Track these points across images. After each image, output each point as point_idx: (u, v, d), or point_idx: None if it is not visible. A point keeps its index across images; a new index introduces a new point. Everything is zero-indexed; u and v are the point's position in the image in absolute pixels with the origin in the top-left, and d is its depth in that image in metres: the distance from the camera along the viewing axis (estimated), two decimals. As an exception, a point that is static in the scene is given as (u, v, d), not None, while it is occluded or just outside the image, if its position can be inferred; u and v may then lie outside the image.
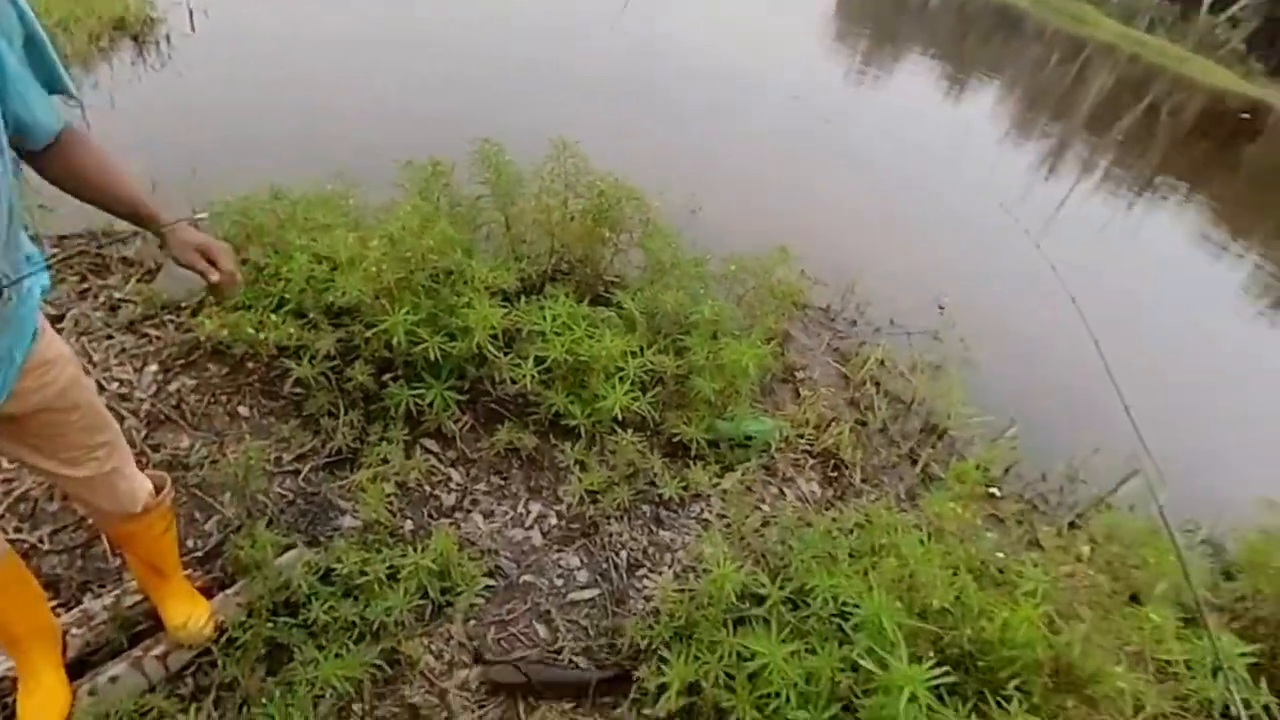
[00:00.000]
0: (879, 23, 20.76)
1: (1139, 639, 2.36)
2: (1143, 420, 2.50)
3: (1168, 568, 2.58)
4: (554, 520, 3.09)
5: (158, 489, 1.96)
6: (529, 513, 3.09)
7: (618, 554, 3.03)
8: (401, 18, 9.40)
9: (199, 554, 2.51)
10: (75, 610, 2.18)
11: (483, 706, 2.39)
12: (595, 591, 2.88)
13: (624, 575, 2.97)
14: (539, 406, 3.34)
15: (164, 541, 2.03)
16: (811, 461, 3.78)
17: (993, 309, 5.96)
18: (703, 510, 3.33)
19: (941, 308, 5.48)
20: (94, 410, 1.72)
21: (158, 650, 2.12)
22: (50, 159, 1.47)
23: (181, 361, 3.15)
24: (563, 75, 8.80)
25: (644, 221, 3.82)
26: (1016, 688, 2.37)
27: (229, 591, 2.32)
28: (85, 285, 3.41)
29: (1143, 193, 12.01)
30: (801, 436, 3.85)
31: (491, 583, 2.75)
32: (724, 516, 3.27)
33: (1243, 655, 2.24)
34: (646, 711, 2.50)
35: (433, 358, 3.01)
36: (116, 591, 2.25)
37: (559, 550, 2.98)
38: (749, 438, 3.61)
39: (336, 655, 2.23)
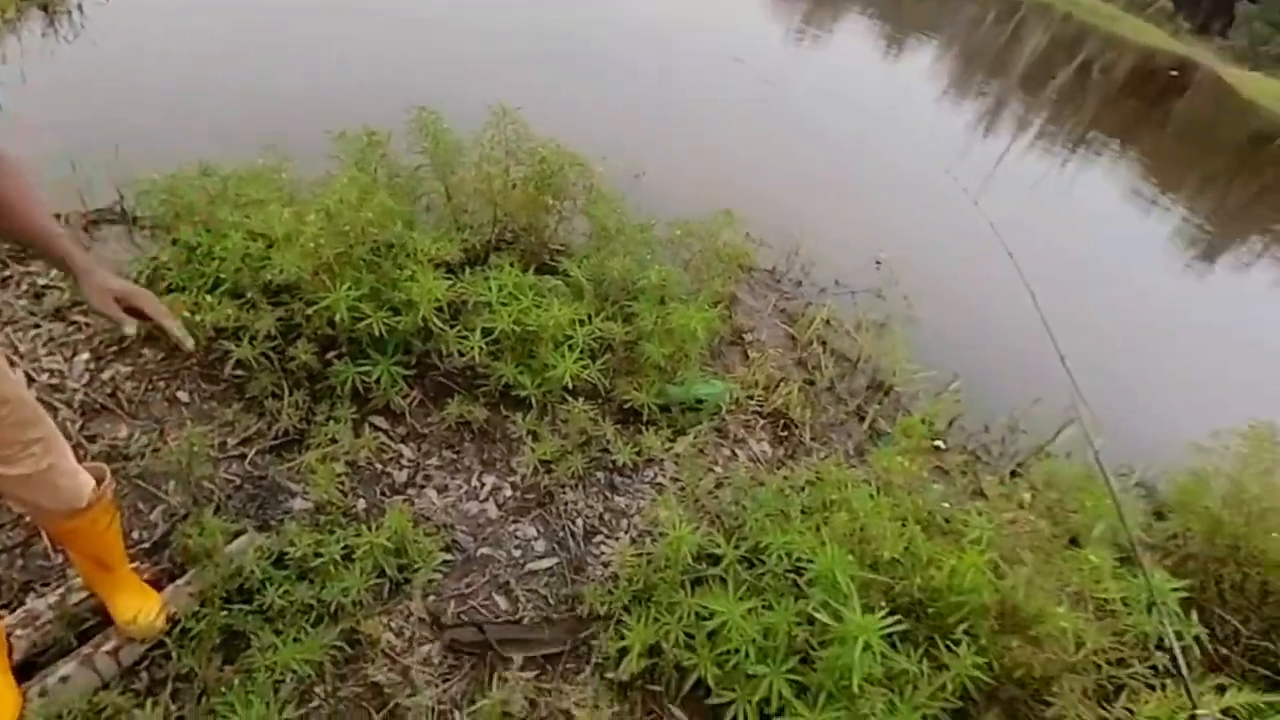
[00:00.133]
0: (818, -19, 20.70)
1: (1078, 580, 2.47)
2: (1079, 370, 2.60)
3: (1104, 511, 2.69)
4: (509, 492, 3.09)
5: (98, 481, 1.90)
6: (483, 485, 3.08)
7: (574, 522, 3.05)
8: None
9: (145, 545, 2.45)
10: (19, 611, 2.11)
11: (446, 680, 2.40)
12: (553, 560, 2.90)
13: (581, 543, 2.99)
14: (488, 378, 3.31)
15: (108, 535, 1.98)
16: (762, 422, 3.84)
17: (935, 266, 6.07)
18: (656, 475, 3.36)
19: (878, 263, 5.57)
20: (24, 404, 1.65)
21: (108, 646, 2.07)
22: None
23: (114, 348, 3.04)
24: (498, 40, 8.60)
25: (588, 188, 3.78)
26: (965, 631, 2.47)
27: (179, 582, 2.27)
28: (6, 272, 3.24)
29: (1076, 149, 12.32)
30: (751, 398, 3.90)
31: (449, 557, 2.75)
32: (678, 480, 3.31)
33: (1175, 590, 2.36)
34: (609, 675, 2.54)
35: (377, 333, 2.96)
36: (61, 589, 2.18)
37: (515, 521, 2.99)
38: (700, 401, 3.64)
39: (295, 639, 2.21)
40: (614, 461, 3.29)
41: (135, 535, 2.46)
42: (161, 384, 2.96)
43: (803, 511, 2.90)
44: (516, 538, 2.93)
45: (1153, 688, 2.38)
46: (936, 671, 2.36)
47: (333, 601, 2.36)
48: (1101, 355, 5.30)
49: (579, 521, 3.06)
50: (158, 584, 2.25)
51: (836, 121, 9.37)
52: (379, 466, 2.98)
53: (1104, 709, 2.46)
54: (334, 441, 2.91)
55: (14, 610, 2.13)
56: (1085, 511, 2.83)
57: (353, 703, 2.26)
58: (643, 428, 3.44)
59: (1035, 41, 21.94)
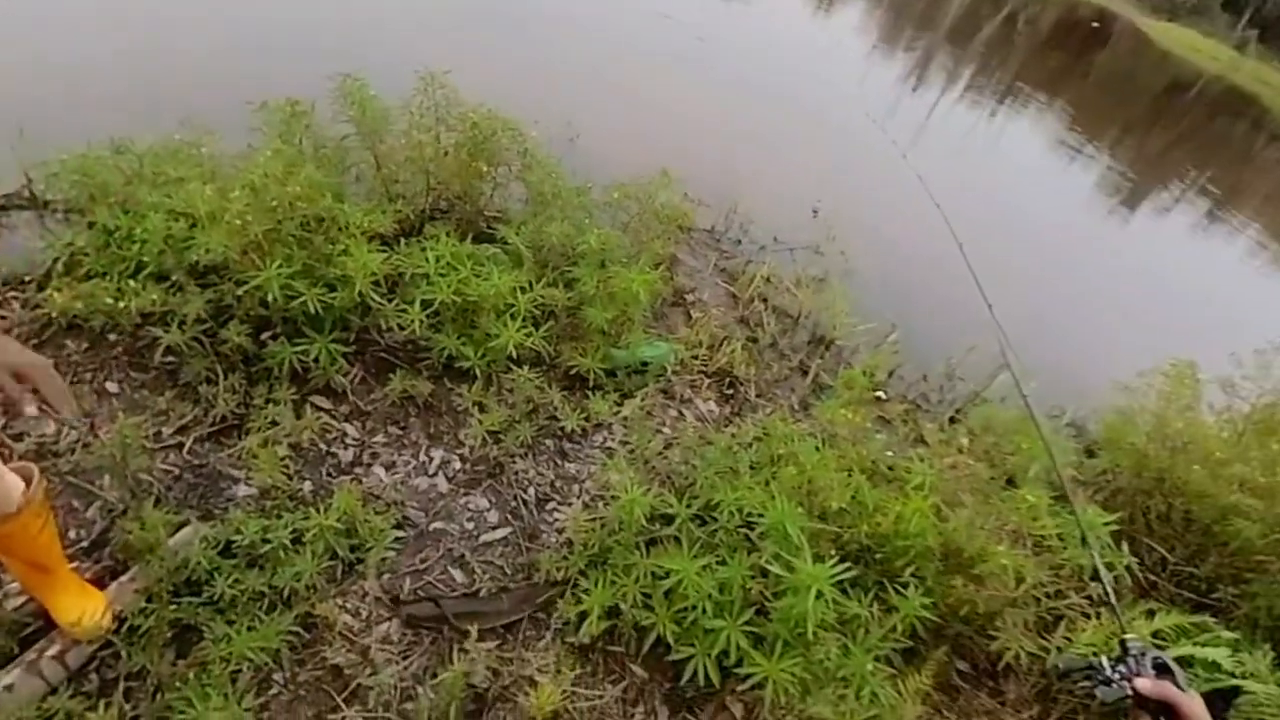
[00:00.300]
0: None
1: (1017, 519, 2.58)
2: (1013, 317, 2.68)
3: (1039, 452, 2.80)
4: (458, 464, 3.07)
5: (27, 483, 1.82)
6: (431, 460, 3.05)
7: (525, 491, 3.05)
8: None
9: (84, 544, 2.37)
10: (-46, 622, 2.03)
11: (407, 656, 2.40)
12: (507, 530, 2.90)
13: (534, 511, 2.99)
14: (430, 351, 3.27)
15: (43, 538, 1.90)
16: (707, 381, 3.87)
17: (871, 220, 6.15)
18: (606, 439, 3.38)
19: (815, 212, 5.62)
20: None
21: (53, 650, 2.01)
22: None
23: (34, 341, 2.88)
24: (418, 1, 8.29)
25: (522, 153, 3.71)
26: (912, 574, 2.57)
27: (123, 579, 2.21)
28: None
29: (1004, 100, 12.56)
30: (696, 358, 3.92)
31: (401, 534, 2.73)
32: (627, 443, 3.33)
33: (1106, 524, 2.48)
34: (570, 639, 2.57)
35: (313, 311, 2.88)
36: (-3, 595, 2.11)
37: (466, 494, 2.98)
38: (645, 363, 3.65)
39: (249, 628, 2.17)
40: (562, 428, 3.29)
41: (72, 534, 2.38)
42: (88, 376, 2.84)
43: (751, 467, 2.96)
44: (469, 510, 2.92)
45: (1088, 616, 2.52)
46: (886, 614, 2.46)
47: (285, 587, 2.33)
48: (1033, 301, 5.49)
49: (530, 490, 3.06)
50: (100, 583, 2.18)
51: (769, 78, 9.35)
52: (323, 447, 2.92)
53: (1044, 639, 2.60)
54: (274, 424, 2.84)
55: (-53, 622, 2.05)
56: (1021, 453, 2.94)
57: (313, 687, 2.25)
58: (589, 393, 3.45)
59: (963, -6, 22.19)
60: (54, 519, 1.96)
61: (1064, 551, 2.54)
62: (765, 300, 4.60)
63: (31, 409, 1.38)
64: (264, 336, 3.01)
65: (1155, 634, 2.55)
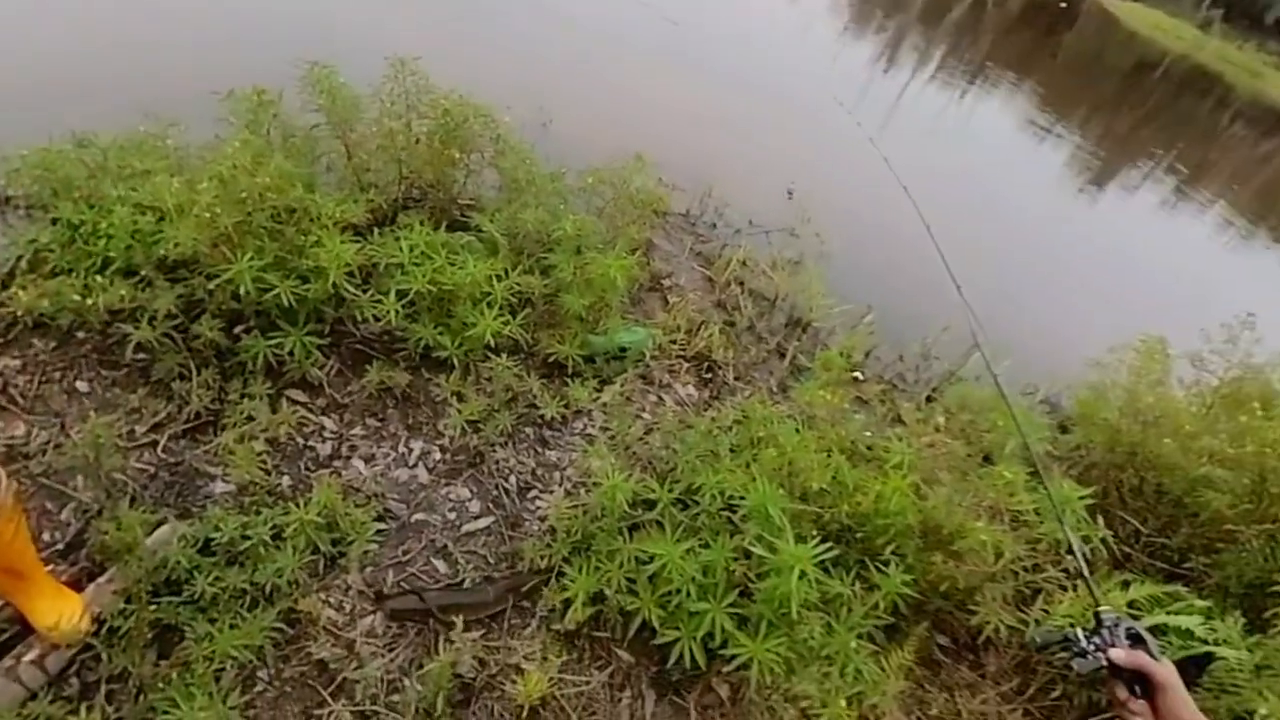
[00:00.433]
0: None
1: (994, 495, 2.61)
2: (985, 296, 2.71)
3: (1014, 429, 2.83)
4: (438, 455, 3.05)
5: None
6: (411, 451, 3.03)
7: (507, 480, 3.04)
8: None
9: (59, 546, 2.33)
10: (-72, 631, 2.00)
11: (392, 649, 2.39)
12: (489, 520, 2.89)
13: (516, 500, 2.99)
14: (406, 341, 3.24)
15: (17, 542, 1.87)
16: (686, 365, 3.88)
17: (844, 202, 6.17)
18: (586, 426, 3.38)
19: (790, 193, 5.63)
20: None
21: (32, 655, 1.98)
22: None
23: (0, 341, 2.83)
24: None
25: (495, 139, 3.68)
26: (892, 552, 2.60)
27: (101, 580, 2.18)
28: None
29: (974, 81, 12.62)
30: (674, 342, 3.93)
31: (383, 526, 2.71)
32: (607, 429, 3.33)
33: (1081, 498, 2.52)
34: (556, 627, 2.58)
35: (286, 303, 2.84)
36: (-29, 602, 2.07)
37: (447, 484, 2.96)
38: (623, 349, 3.65)
39: (231, 626, 2.16)
40: (542, 416, 3.28)
41: (47, 537, 2.34)
42: (57, 375, 2.78)
43: (732, 450, 2.97)
44: (450, 500, 2.91)
45: (1065, 589, 2.57)
46: (868, 592, 2.49)
47: (267, 583, 2.31)
48: (1005, 280, 5.55)
49: (512, 479, 3.05)
50: (77, 585, 2.15)
51: (741, 61, 9.32)
52: (301, 441, 2.89)
53: (1022, 612, 2.64)
54: (250, 419, 2.81)
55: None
56: (997, 430, 2.98)
57: (299, 682, 2.24)
58: (568, 380, 3.44)
59: (932, -25, 22.24)
60: (26, 522, 1.93)
61: (1041, 526, 2.58)
62: (742, 284, 4.61)
63: None
64: (237, 330, 2.97)
65: (1130, 604, 2.60)
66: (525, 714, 2.33)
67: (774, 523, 2.39)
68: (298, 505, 2.51)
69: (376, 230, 3.27)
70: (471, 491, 2.97)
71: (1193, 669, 2.43)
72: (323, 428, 2.98)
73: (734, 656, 2.31)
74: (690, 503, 2.75)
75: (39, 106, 3.68)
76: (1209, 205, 10.43)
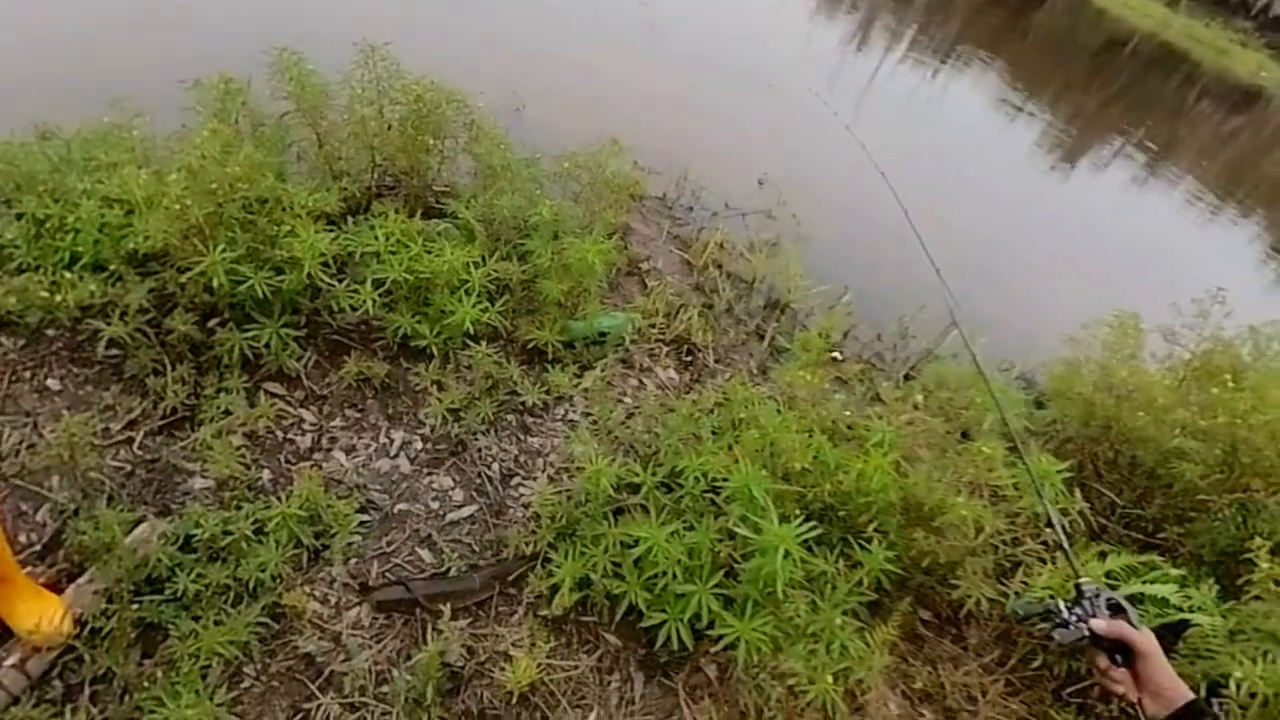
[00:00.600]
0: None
1: (973, 471, 2.64)
2: (961, 275, 2.72)
3: (991, 405, 2.87)
4: (419, 444, 3.04)
5: None
6: (392, 441, 3.01)
7: (489, 467, 3.03)
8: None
9: (36, 548, 2.29)
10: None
11: (380, 640, 2.39)
12: (473, 508, 2.89)
13: (499, 487, 2.98)
14: (384, 331, 3.22)
15: (-9, 545, 1.84)
16: (666, 349, 3.88)
17: (819, 183, 6.18)
18: (567, 411, 3.37)
19: (761, 182, 5.63)
20: None
21: (13, 659, 1.95)
22: None
23: (-36, 341, 2.77)
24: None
25: (468, 125, 3.64)
26: (875, 529, 2.63)
27: (81, 581, 2.15)
28: None
29: (946, 60, 12.66)
30: (653, 326, 3.92)
31: (366, 518, 2.70)
32: (589, 414, 3.33)
33: (1059, 472, 2.56)
34: (543, 613, 2.59)
35: (261, 295, 2.80)
36: (-53, 607, 2.03)
37: (429, 473, 2.95)
38: (603, 334, 3.64)
39: (215, 622, 2.15)
40: (523, 403, 3.27)
41: (23, 539, 2.30)
42: (27, 374, 2.73)
43: (714, 433, 2.98)
44: (433, 490, 2.90)
45: (1044, 561, 2.61)
46: (852, 569, 2.51)
47: (250, 578, 2.29)
48: (980, 259, 5.60)
49: (495, 466, 3.04)
50: (57, 587, 2.13)
51: (714, 43, 9.27)
52: (280, 434, 2.87)
53: (1003, 585, 2.68)
54: (227, 414, 2.78)
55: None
56: (975, 407, 3.01)
57: (286, 677, 2.23)
58: (549, 366, 3.43)
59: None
60: (2, 524, 1.90)
61: (1020, 500, 2.61)
62: (720, 266, 4.62)
63: None
64: (211, 324, 2.93)
65: (1107, 574, 2.64)
66: (515, 700, 2.33)
67: (757, 503, 2.40)
68: (279, 499, 2.49)
69: (350, 219, 3.24)
70: (454, 480, 2.96)
71: (1169, 636, 2.49)
72: (302, 420, 2.95)
73: (721, 637, 2.33)
74: (674, 485, 2.76)
75: (1, 100, 3.60)
76: (1178, 181, 10.56)
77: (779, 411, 2.90)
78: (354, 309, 3.04)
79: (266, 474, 2.72)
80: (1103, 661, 1.37)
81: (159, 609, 2.15)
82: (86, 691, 2.01)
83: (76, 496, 2.42)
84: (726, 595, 2.43)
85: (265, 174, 2.92)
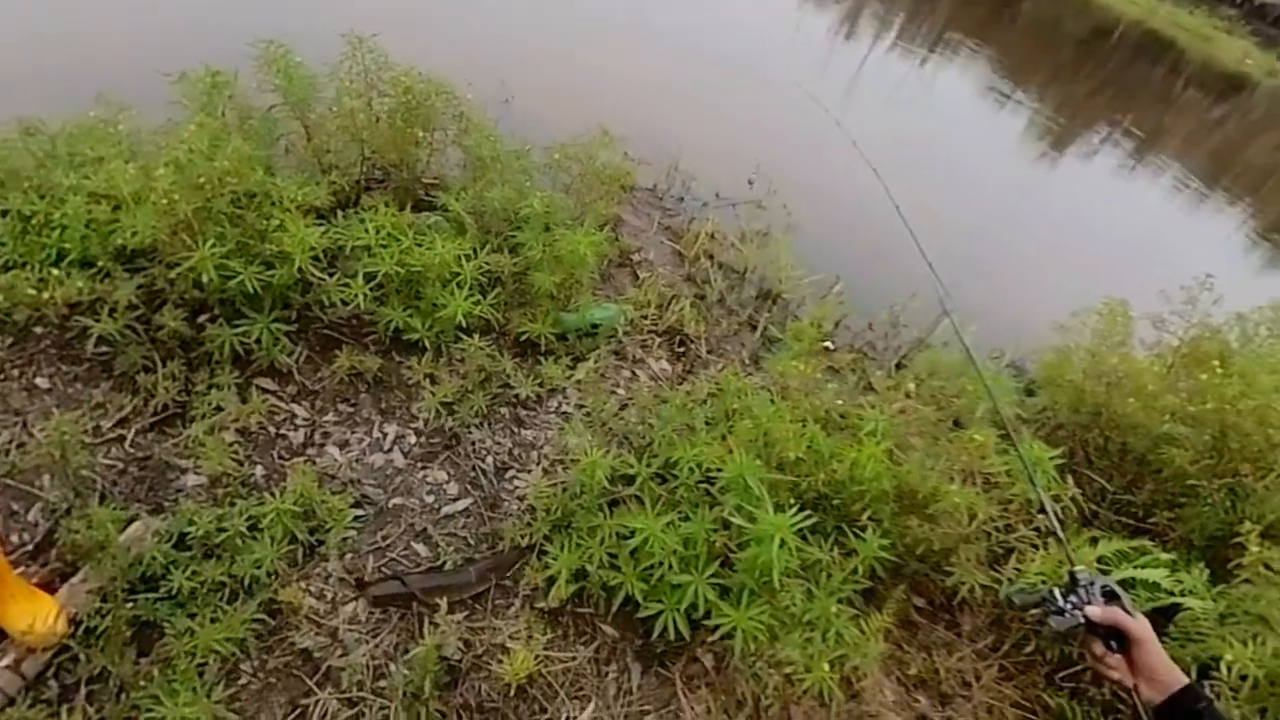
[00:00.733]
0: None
1: (966, 458, 2.65)
2: (951, 264, 2.73)
3: (983, 394, 2.88)
4: (413, 438, 3.03)
5: None
6: (386, 435, 3.01)
7: (484, 461, 3.03)
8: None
9: (28, 548, 2.28)
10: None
11: (376, 634, 2.39)
12: (468, 501, 2.89)
13: (494, 480, 2.98)
14: (376, 325, 3.21)
15: (-16, 544, 1.83)
16: (658, 340, 3.88)
17: (809, 173, 6.15)
18: (561, 404, 3.37)
19: (751, 182, 5.62)
20: None
21: (7, 660, 1.94)
22: None
23: (-49, 339, 2.75)
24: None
25: (457, 117, 3.62)
26: (869, 518, 2.64)
27: (74, 580, 2.14)
28: None
29: (934, 49, 12.64)
30: (645, 317, 3.92)
31: (360, 512, 2.70)
32: (583, 406, 3.33)
33: (1051, 459, 2.57)
34: (539, 605, 2.59)
35: (251, 290, 2.79)
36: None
37: (424, 467, 2.95)
38: (595, 326, 3.64)
39: (212, 620, 2.14)
40: (517, 395, 3.27)
41: (15, 539, 2.29)
42: (15, 372, 2.70)
43: (707, 423, 2.99)
44: (427, 484, 2.90)
45: (1036, 547, 2.62)
46: (846, 557, 2.52)
47: (245, 575, 2.29)
48: (970, 248, 5.61)
49: (489, 459, 3.04)
50: (50, 586, 2.11)
51: (702, 32, 9.21)
52: (272, 430, 2.85)
53: (996, 571, 2.70)
54: (219, 410, 2.76)
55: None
56: (966, 395, 3.03)
57: (284, 673, 2.23)
58: (541, 358, 3.43)
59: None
60: (-7, 525, 1.89)
61: (1012, 487, 2.63)
62: (711, 257, 4.61)
63: None
64: (201, 320, 2.91)
65: (1099, 560, 2.66)
66: (513, 692, 2.34)
67: (752, 493, 2.41)
68: (273, 495, 2.49)
69: (340, 213, 3.22)
70: (449, 474, 2.95)
71: (1160, 620, 2.51)
72: (294, 415, 2.94)
73: (717, 626, 2.34)
74: (668, 476, 2.76)
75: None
76: (1165, 168, 10.60)
77: (772, 401, 2.90)
78: (345, 303, 3.03)
79: (260, 470, 2.71)
80: (1098, 648, 1.38)
81: (154, 607, 2.14)
82: (83, 691, 2.01)
83: (68, 495, 2.40)
84: (722, 585, 2.44)
85: (253, 168, 2.90)
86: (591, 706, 2.41)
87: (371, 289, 3.03)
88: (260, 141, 3.19)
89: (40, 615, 1.96)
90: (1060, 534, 1.66)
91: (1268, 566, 2.47)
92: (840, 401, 3.14)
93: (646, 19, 9.06)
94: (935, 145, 8.08)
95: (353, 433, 2.97)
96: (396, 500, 2.80)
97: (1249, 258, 8.48)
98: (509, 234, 3.52)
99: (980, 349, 2.36)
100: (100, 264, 2.78)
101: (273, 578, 2.34)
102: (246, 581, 2.29)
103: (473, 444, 3.06)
